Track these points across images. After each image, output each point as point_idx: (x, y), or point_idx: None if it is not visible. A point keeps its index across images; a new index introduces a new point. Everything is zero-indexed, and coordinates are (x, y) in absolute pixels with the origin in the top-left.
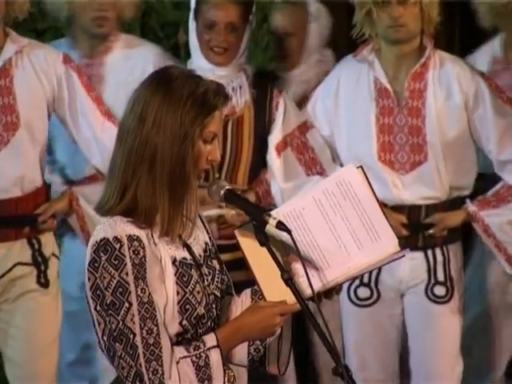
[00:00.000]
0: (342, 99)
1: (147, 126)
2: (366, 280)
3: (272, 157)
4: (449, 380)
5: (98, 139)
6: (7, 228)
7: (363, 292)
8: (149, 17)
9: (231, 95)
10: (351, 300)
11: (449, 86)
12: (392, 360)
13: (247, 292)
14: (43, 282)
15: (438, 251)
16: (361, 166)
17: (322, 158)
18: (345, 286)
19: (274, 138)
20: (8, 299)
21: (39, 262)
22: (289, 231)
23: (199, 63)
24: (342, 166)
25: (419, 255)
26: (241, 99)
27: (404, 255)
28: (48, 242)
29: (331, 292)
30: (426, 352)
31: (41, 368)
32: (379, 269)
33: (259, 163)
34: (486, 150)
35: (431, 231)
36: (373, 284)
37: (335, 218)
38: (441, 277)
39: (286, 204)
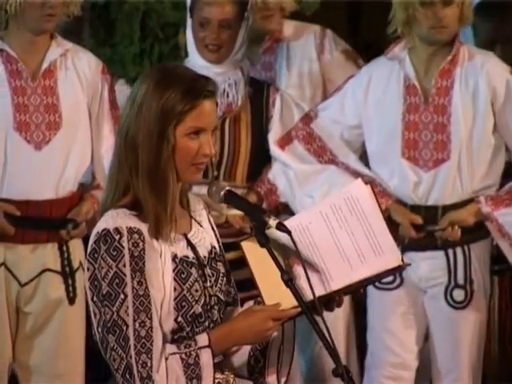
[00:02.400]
0: (372, 96)
1: (133, 124)
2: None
3: (276, 152)
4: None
5: (103, 159)
6: (40, 230)
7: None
8: (149, 18)
9: (227, 91)
10: (374, 285)
11: (476, 81)
12: (409, 346)
13: (250, 303)
14: (71, 297)
15: (458, 251)
16: (369, 183)
17: (331, 145)
18: None
19: (274, 133)
20: (34, 306)
21: (67, 272)
22: (289, 232)
23: (195, 61)
24: (367, 160)
25: (439, 254)
26: (237, 95)
27: (405, 268)
28: (76, 248)
29: (332, 304)
30: (447, 357)
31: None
32: None
33: (258, 161)
34: (510, 147)
35: (437, 228)
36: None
37: (340, 232)
38: (461, 279)
39: (293, 218)
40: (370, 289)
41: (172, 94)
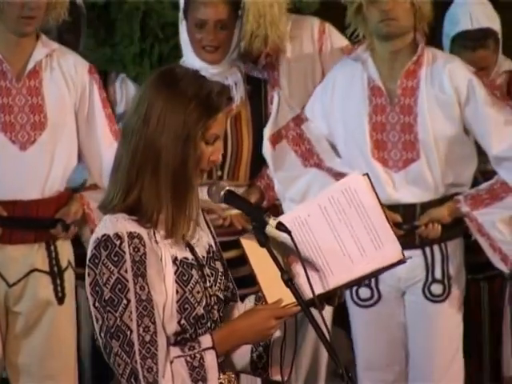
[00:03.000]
0: (337, 98)
1: (151, 126)
2: (366, 280)
3: (267, 149)
4: (445, 380)
5: (103, 157)
6: (27, 230)
7: (364, 292)
8: (149, 18)
9: None
10: (354, 301)
11: (441, 82)
12: (398, 359)
13: (251, 298)
14: (60, 297)
15: (436, 248)
16: (367, 174)
17: (319, 149)
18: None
19: (268, 130)
20: (23, 306)
21: (55, 272)
22: (289, 232)
23: (192, 62)
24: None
25: (417, 253)
26: (237, 96)
27: (405, 262)
28: (64, 248)
29: (333, 298)
30: (422, 351)
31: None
32: None
33: (260, 158)
34: (482, 145)
35: (416, 223)
36: (373, 284)
37: (340, 226)
38: (438, 274)
39: (292, 211)
40: (351, 306)
41: (195, 107)
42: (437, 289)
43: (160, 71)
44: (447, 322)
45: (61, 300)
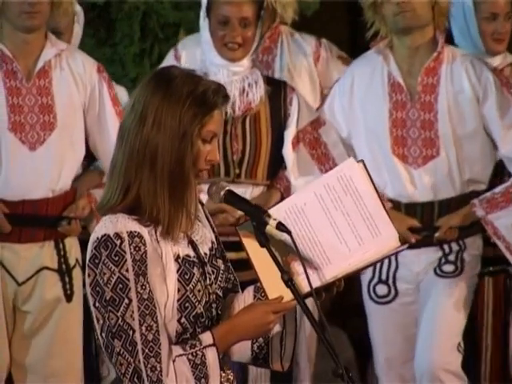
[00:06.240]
0: (357, 95)
1: (147, 125)
2: (384, 277)
3: (288, 152)
4: (448, 352)
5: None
6: (36, 228)
7: (381, 289)
8: (149, 18)
9: (247, 91)
10: (371, 298)
11: (460, 80)
12: (413, 356)
13: (250, 289)
14: (69, 294)
15: (453, 244)
16: (362, 161)
17: (335, 153)
18: (364, 285)
19: (290, 132)
20: (32, 304)
21: (64, 271)
22: (289, 232)
23: (213, 60)
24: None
25: (435, 249)
26: (256, 95)
27: (404, 249)
28: (73, 246)
29: (332, 288)
30: (429, 318)
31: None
32: (396, 266)
33: (278, 158)
34: (496, 144)
35: (436, 235)
36: (390, 281)
37: (336, 214)
38: (452, 257)
39: (288, 199)
40: (368, 303)
41: (190, 104)
42: (448, 267)
43: (156, 71)
44: (455, 294)
45: (69, 298)
